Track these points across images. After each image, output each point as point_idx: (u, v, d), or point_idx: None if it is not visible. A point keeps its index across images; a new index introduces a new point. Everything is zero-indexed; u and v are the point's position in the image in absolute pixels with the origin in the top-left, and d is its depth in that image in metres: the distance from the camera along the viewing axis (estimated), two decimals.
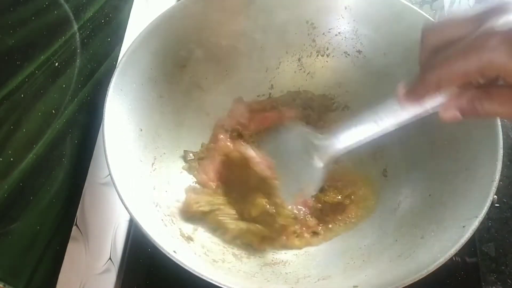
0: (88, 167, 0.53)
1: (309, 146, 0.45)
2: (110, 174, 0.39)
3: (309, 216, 0.50)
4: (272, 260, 0.47)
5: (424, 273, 0.35)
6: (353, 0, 0.53)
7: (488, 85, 0.29)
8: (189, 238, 0.44)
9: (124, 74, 0.45)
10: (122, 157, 0.42)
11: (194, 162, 0.52)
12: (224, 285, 0.35)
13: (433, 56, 0.30)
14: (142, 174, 0.45)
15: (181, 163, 0.52)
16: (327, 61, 0.58)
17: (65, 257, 0.48)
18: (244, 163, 0.49)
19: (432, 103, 0.32)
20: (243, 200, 0.49)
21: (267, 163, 0.48)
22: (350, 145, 0.41)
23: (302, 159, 0.46)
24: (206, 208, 0.48)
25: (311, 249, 0.49)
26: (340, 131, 0.41)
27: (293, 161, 0.47)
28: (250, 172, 0.48)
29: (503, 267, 0.51)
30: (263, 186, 0.48)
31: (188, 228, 0.47)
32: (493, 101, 0.28)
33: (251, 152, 0.49)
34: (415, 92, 0.31)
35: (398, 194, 0.50)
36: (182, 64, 0.52)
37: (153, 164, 0.47)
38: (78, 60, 0.50)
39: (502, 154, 0.40)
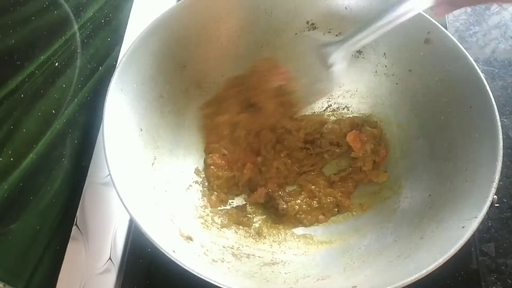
0: (88, 167, 0.53)
1: (322, 49, 0.47)
2: (110, 174, 0.39)
3: None
4: (272, 260, 0.47)
5: (423, 273, 0.35)
6: (353, 0, 0.53)
7: None
8: (188, 238, 0.45)
9: (124, 74, 0.45)
10: (122, 157, 0.42)
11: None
12: (223, 285, 0.35)
13: None
14: (142, 174, 0.45)
15: (181, 163, 0.52)
16: None
17: (65, 257, 0.48)
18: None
19: None
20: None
21: (284, 73, 0.52)
22: (361, 38, 0.44)
23: (317, 62, 0.48)
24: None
25: (310, 249, 0.49)
26: (352, 30, 0.44)
27: (310, 66, 0.49)
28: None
29: (503, 267, 0.51)
30: (282, 94, 0.52)
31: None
32: None
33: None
34: None
35: (398, 195, 0.50)
36: (182, 64, 0.52)
37: (153, 164, 0.47)
38: (78, 60, 0.50)
39: (501, 155, 0.40)
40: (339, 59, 0.46)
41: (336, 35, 0.53)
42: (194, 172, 0.53)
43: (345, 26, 0.54)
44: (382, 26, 0.41)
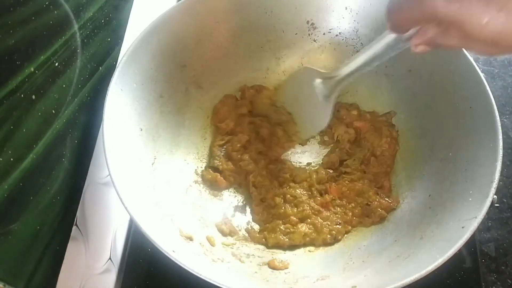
0: (88, 167, 0.53)
1: (315, 85, 0.51)
2: (110, 174, 0.39)
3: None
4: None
5: (423, 273, 0.35)
6: (353, 0, 0.53)
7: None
8: (188, 238, 0.45)
9: (124, 74, 0.45)
10: (122, 157, 0.42)
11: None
12: (223, 285, 0.35)
13: None
14: (142, 174, 0.45)
15: (181, 163, 0.52)
16: (327, 62, 0.58)
17: (65, 257, 0.48)
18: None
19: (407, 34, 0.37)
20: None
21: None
22: (348, 73, 0.47)
23: (312, 97, 0.51)
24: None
25: (310, 249, 0.49)
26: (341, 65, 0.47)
27: (305, 101, 0.53)
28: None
29: (503, 267, 0.51)
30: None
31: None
32: (449, 36, 0.32)
33: None
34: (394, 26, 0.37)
35: (398, 195, 0.50)
36: (182, 64, 0.52)
37: (153, 164, 0.47)
38: (78, 60, 0.50)
39: (501, 155, 0.40)
40: (328, 92, 0.50)
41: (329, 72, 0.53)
42: (194, 172, 0.53)
43: (345, 26, 0.55)
44: (367, 64, 0.44)
